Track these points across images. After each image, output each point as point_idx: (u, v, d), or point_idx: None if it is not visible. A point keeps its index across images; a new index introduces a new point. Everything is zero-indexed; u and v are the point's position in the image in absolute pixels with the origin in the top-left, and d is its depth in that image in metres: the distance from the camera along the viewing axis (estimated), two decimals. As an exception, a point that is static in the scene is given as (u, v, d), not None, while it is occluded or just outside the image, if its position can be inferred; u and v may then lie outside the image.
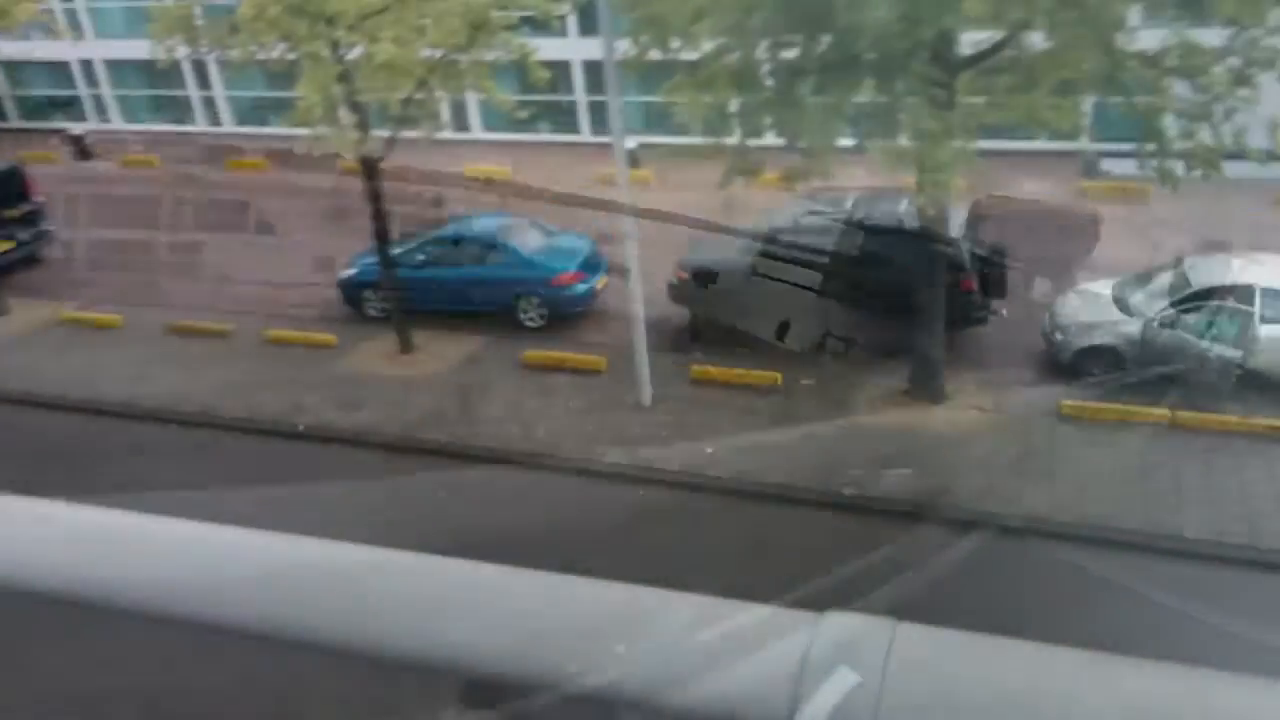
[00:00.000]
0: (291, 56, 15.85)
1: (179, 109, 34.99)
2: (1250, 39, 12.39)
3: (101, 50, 33.98)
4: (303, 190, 27.98)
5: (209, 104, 34.36)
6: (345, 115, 16.69)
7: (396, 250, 18.54)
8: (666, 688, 1.36)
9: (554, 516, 13.90)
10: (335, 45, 15.31)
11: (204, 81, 33.51)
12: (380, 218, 17.61)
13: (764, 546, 13.10)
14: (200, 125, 34.53)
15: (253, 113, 34.29)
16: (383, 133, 17.71)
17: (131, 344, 19.71)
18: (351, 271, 20.04)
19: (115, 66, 34.37)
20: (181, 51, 16.92)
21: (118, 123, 35.15)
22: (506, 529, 13.64)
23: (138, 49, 25.42)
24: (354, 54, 15.76)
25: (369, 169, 17.34)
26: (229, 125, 34.18)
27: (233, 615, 1.60)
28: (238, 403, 17.20)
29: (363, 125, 16.51)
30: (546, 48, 18.95)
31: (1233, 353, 14.38)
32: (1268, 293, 14.81)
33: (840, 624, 1.33)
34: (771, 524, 13.51)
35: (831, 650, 1.28)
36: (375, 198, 17.55)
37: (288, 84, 26.75)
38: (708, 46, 14.26)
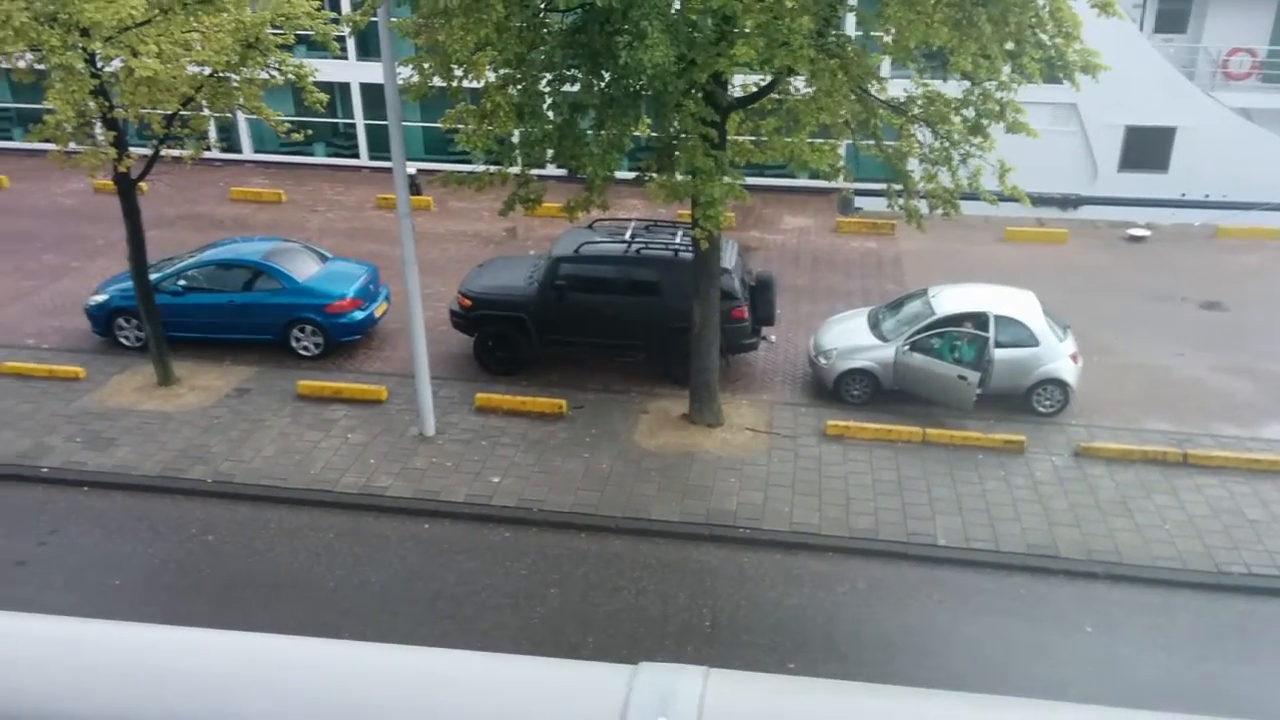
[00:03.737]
0: (41, 67, 14.70)
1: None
2: (983, 92, 13.75)
3: None
4: (48, 210, 25.88)
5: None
6: (101, 131, 15.65)
7: (154, 275, 17.45)
8: None
9: (333, 557, 13.45)
10: (91, 57, 14.32)
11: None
12: (137, 240, 16.52)
13: (556, 576, 13.18)
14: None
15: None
16: (143, 151, 16.72)
17: None
18: (102, 298, 18.63)
19: None
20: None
21: None
22: (282, 573, 13.13)
23: None
24: (113, 67, 14.79)
25: (124, 188, 16.28)
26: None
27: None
28: (-33, 444, 15.52)
29: (119, 142, 15.50)
30: (325, 69, 18.47)
31: (973, 374, 15.77)
32: (1000, 319, 16.34)
33: (654, 676, 1.36)
34: (561, 552, 13.59)
35: (648, 703, 1.31)
36: (132, 218, 16.46)
37: (34, 96, 24.84)
38: (491, 77, 14.37)
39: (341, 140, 30.01)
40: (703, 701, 1.31)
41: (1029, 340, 16.40)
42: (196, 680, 1.45)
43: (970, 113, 13.99)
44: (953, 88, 14.29)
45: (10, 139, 30.87)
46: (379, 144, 28.32)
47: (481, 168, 15.34)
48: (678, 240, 17.70)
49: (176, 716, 1.40)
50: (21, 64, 15.02)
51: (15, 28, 13.43)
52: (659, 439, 15.99)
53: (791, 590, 12.92)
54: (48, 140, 15.46)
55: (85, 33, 13.90)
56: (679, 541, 13.78)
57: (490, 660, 1.45)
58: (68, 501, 14.52)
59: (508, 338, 17.86)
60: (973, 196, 14.61)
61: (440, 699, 1.39)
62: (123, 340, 18.54)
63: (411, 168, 22.87)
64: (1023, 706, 1.35)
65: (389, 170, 15.28)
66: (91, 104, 14.86)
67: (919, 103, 14.36)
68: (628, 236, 18.10)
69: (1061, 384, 16.43)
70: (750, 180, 16.00)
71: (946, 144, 14.25)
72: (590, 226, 18.33)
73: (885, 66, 16.68)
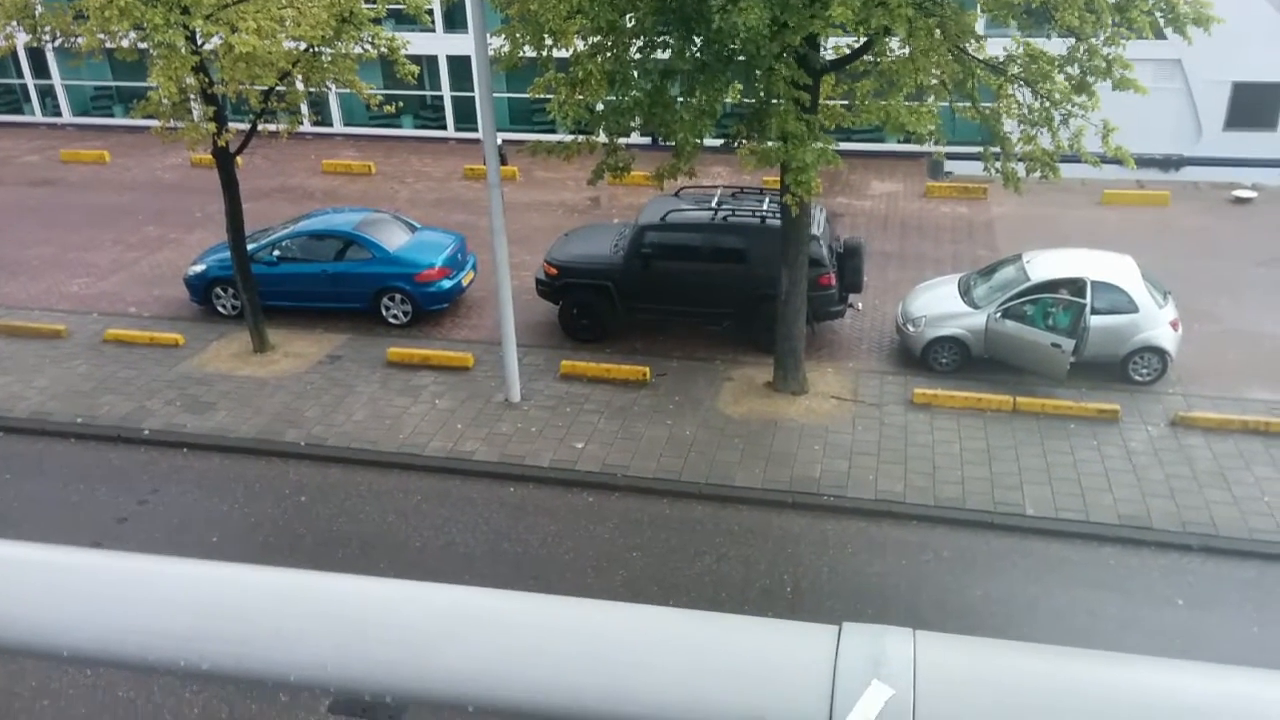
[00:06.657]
0: (143, 46, 15.16)
1: (12, 99, 33.06)
2: (1090, 48, 13.22)
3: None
4: (148, 184, 26.82)
5: (46, 94, 32.53)
6: (200, 107, 16.11)
7: (250, 246, 17.96)
8: (696, 710, 1.32)
9: (421, 519, 13.77)
10: (191, 35, 14.72)
11: (40, 70, 31.72)
12: (235, 212, 17.02)
13: (638, 540, 13.28)
14: (36, 116, 32.70)
15: (94, 103, 32.67)
16: (241, 125, 17.17)
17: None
18: (200, 268, 19.28)
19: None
20: (21, 39, 16.02)
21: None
22: (372, 533, 13.49)
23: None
24: (212, 44, 15.17)
25: (223, 162, 16.76)
26: (68, 116, 32.46)
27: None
28: (74, 407, 16.21)
29: (219, 118, 15.94)
30: (413, 43, 18.70)
31: (1067, 341, 15.33)
32: (1097, 285, 15.82)
33: (862, 636, 1.32)
34: (644, 517, 13.68)
35: (858, 665, 1.27)
36: (230, 191, 16.96)
37: (132, 74, 25.71)
38: (580, 45, 14.35)
39: (429, 112, 30.41)
40: (915, 664, 1.26)
41: (1127, 307, 15.87)
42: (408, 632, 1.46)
43: (1074, 70, 13.48)
44: (1054, 45, 13.80)
45: (111, 115, 32.03)
46: (465, 116, 28.64)
47: (569, 137, 15.37)
48: (764, 207, 17.55)
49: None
50: (125, 43, 15.48)
51: (120, 7, 13.81)
52: (743, 406, 15.94)
53: (874, 558, 12.80)
54: (150, 116, 15.97)
55: (186, 10, 14.24)
56: (762, 508, 13.75)
57: (692, 617, 1.42)
58: (168, 462, 15.10)
59: (593, 306, 17.96)
60: (1072, 158, 14.12)
61: (650, 655, 1.37)
62: (220, 309, 19.17)
63: (498, 138, 23.09)
64: (1246, 676, 1.30)
65: (475, 141, 15.49)
66: (192, 80, 15.26)
67: (1019, 61, 13.89)
68: (714, 204, 17.99)
69: (1160, 352, 15.87)
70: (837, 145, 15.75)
71: (1047, 104, 13.77)
72: (677, 194, 18.27)
73: (980, 25, 16.18)
